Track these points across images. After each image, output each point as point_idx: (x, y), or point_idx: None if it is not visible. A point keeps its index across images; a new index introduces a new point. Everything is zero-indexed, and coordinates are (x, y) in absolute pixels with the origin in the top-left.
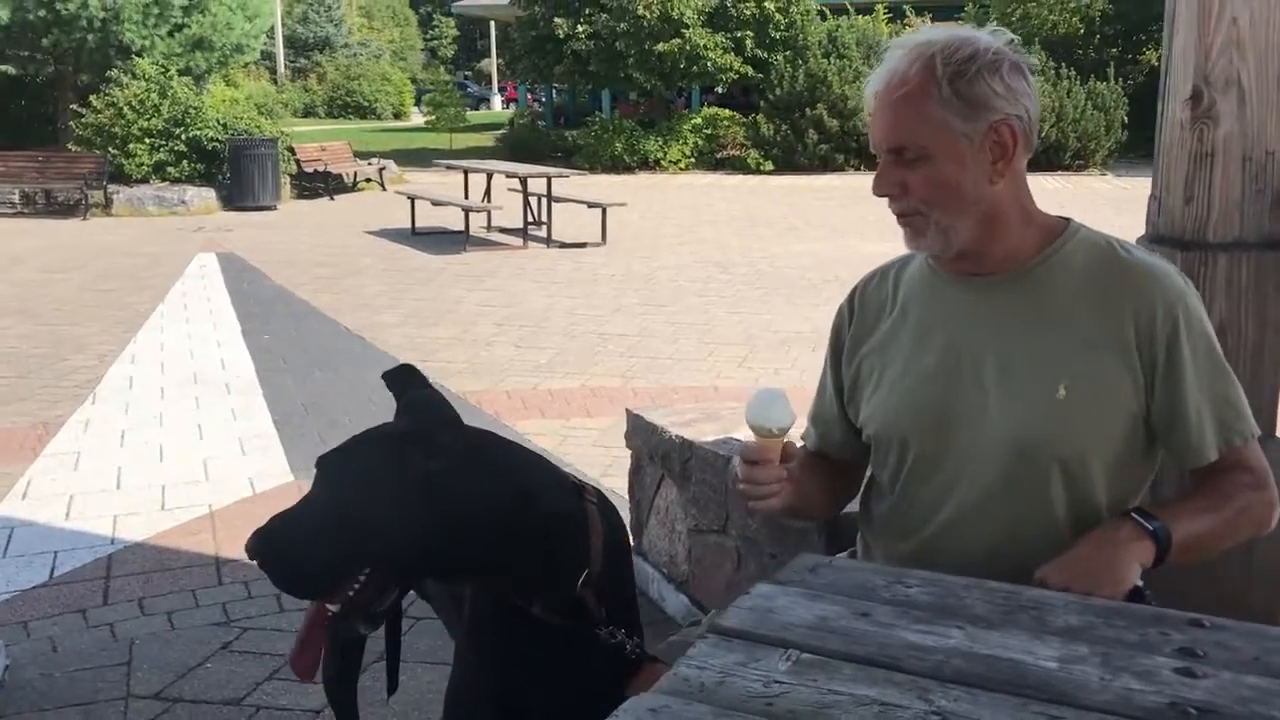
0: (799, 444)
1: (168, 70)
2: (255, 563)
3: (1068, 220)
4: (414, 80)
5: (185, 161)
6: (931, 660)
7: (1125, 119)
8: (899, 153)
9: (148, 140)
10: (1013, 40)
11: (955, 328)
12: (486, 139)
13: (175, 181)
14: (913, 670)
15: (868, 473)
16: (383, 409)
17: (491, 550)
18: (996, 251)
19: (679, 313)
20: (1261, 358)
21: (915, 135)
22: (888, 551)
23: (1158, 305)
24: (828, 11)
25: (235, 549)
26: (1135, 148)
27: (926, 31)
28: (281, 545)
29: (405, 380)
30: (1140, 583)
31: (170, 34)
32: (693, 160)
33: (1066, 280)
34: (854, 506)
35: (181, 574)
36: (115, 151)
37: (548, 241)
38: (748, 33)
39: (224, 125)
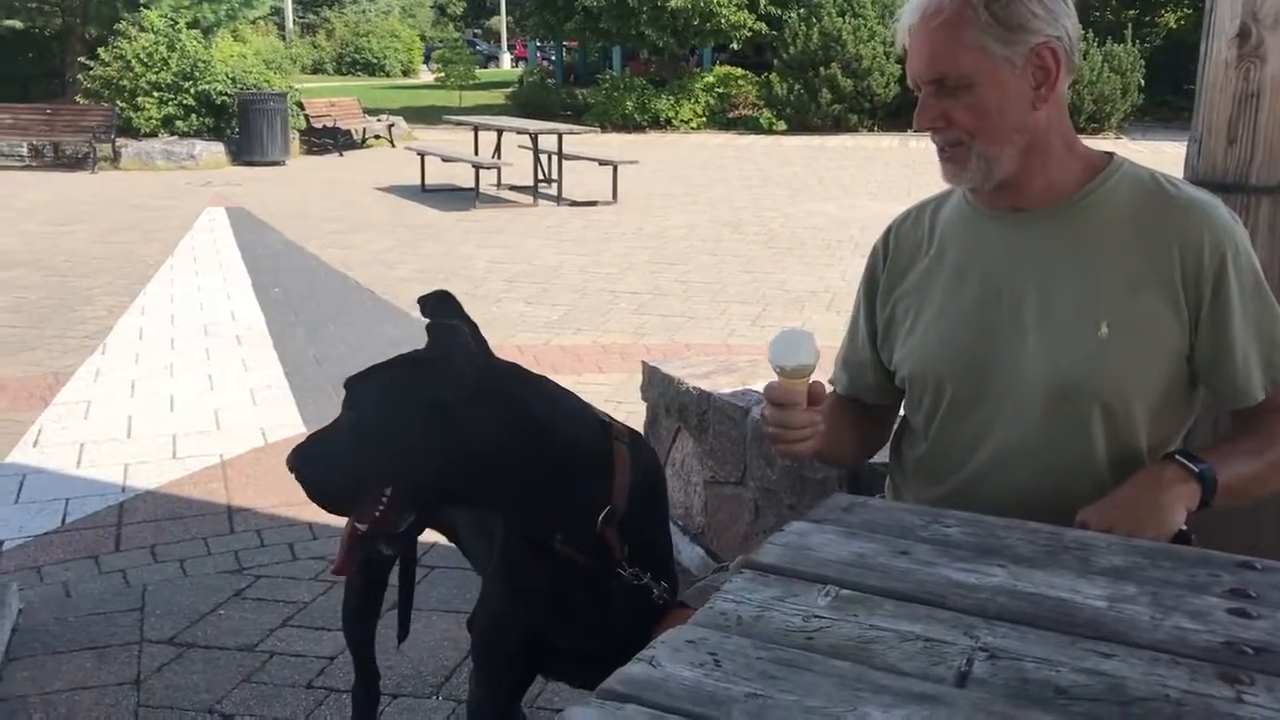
0: (828, 388)
1: (176, 23)
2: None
3: (1111, 155)
4: (423, 37)
5: (194, 115)
6: (976, 598)
7: (1142, 82)
8: (939, 83)
9: (156, 94)
10: None
11: (994, 265)
12: (496, 97)
13: (184, 135)
14: (957, 607)
15: (899, 416)
16: None
17: (506, 482)
18: (1038, 183)
19: (691, 271)
20: None
21: (956, 63)
22: (920, 495)
23: (1205, 241)
24: None
25: (247, 498)
26: (1151, 111)
27: None
28: (312, 461)
29: (438, 307)
30: (1184, 526)
31: None
32: (704, 120)
33: (1110, 216)
34: (881, 456)
35: (193, 522)
36: (123, 105)
37: (558, 199)
38: None
39: (233, 79)
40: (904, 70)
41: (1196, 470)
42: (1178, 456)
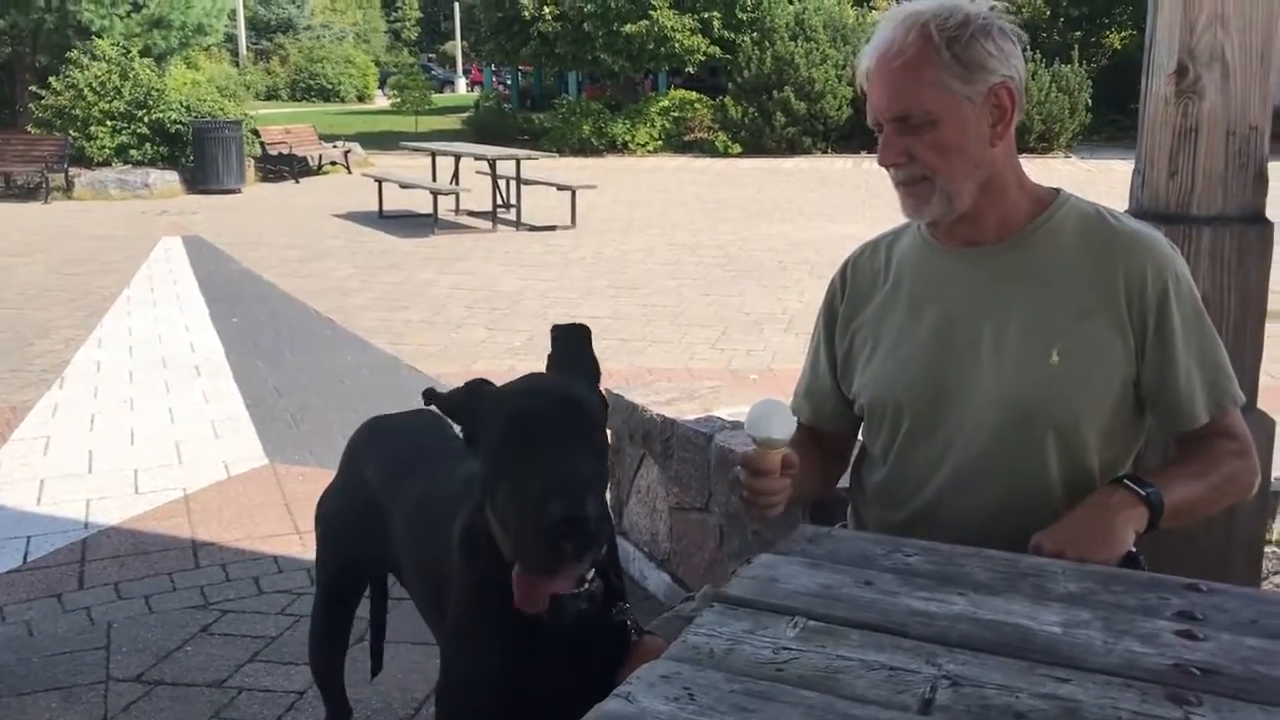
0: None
1: (129, 51)
2: None
3: (1057, 190)
4: (378, 63)
5: (148, 144)
6: (937, 626)
7: (1089, 102)
8: (903, 120)
9: (109, 122)
10: (994, 6)
11: (949, 297)
12: (452, 122)
13: (138, 164)
14: (919, 635)
15: (859, 444)
16: (355, 390)
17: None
18: (992, 218)
19: (651, 295)
20: (1244, 331)
21: (920, 101)
22: (881, 521)
23: (1148, 270)
24: None
25: (211, 532)
26: (1099, 130)
27: (911, 4)
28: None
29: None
30: (1134, 548)
31: (129, 14)
32: (660, 143)
33: (1058, 248)
34: (844, 482)
35: (157, 557)
36: (76, 134)
37: (517, 224)
38: (715, 14)
39: (187, 108)
40: (856, 93)
41: (1144, 494)
42: (1126, 480)
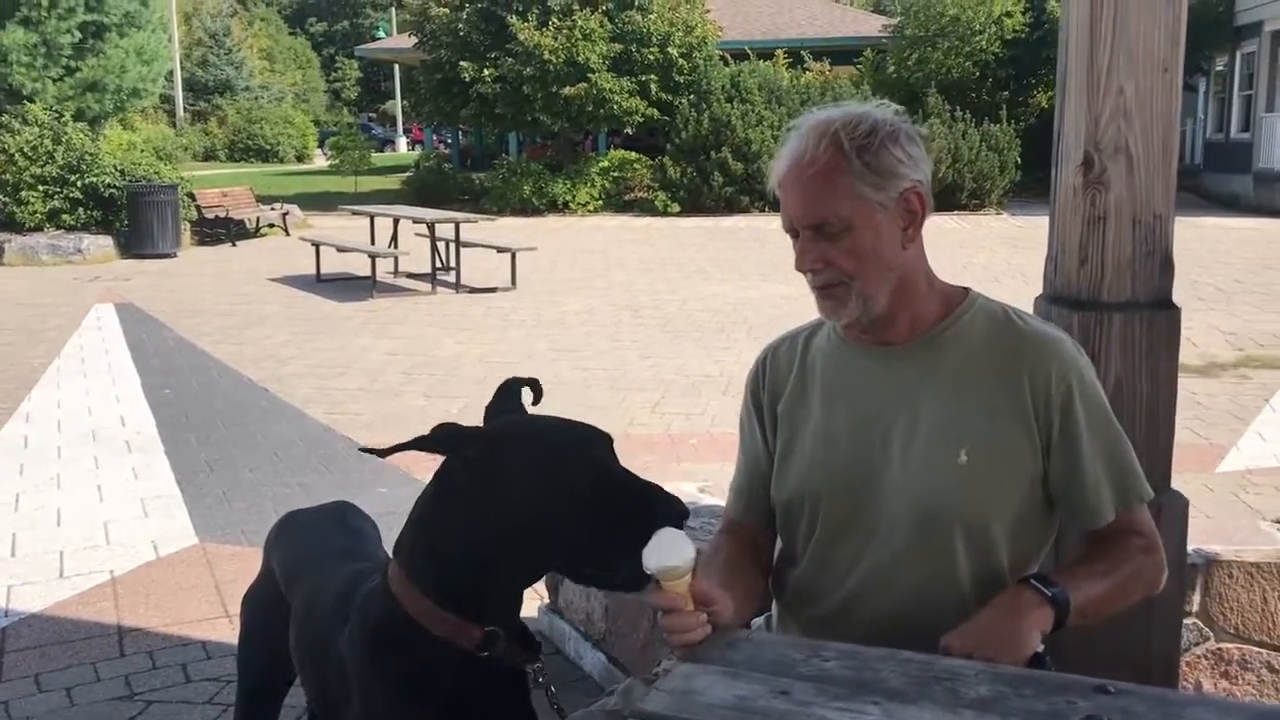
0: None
1: (61, 115)
2: None
3: (966, 290)
4: (317, 122)
5: (81, 209)
6: None
7: (1019, 159)
8: (819, 228)
9: (41, 187)
10: (898, 110)
11: (862, 396)
12: (393, 182)
13: (71, 229)
14: None
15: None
16: (289, 463)
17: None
18: (904, 318)
19: (590, 358)
20: (1156, 414)
21: (836, 209)
22: (799, 617)
23: (1053, 372)
24: (729, 57)
25: (138, 617)
26: (1029, 187)
27: (820, 112)
28: None
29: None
30: (1041, 648)
31: (61, 77)
32: (600, 202)
33: (966, 348)
34: None
35: (81, 646)
36: (6, 199)
37: (456, 287)
38: (652, 77)
39: (121, 171)
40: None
41: (1050, 594)
42: (1032, 581)
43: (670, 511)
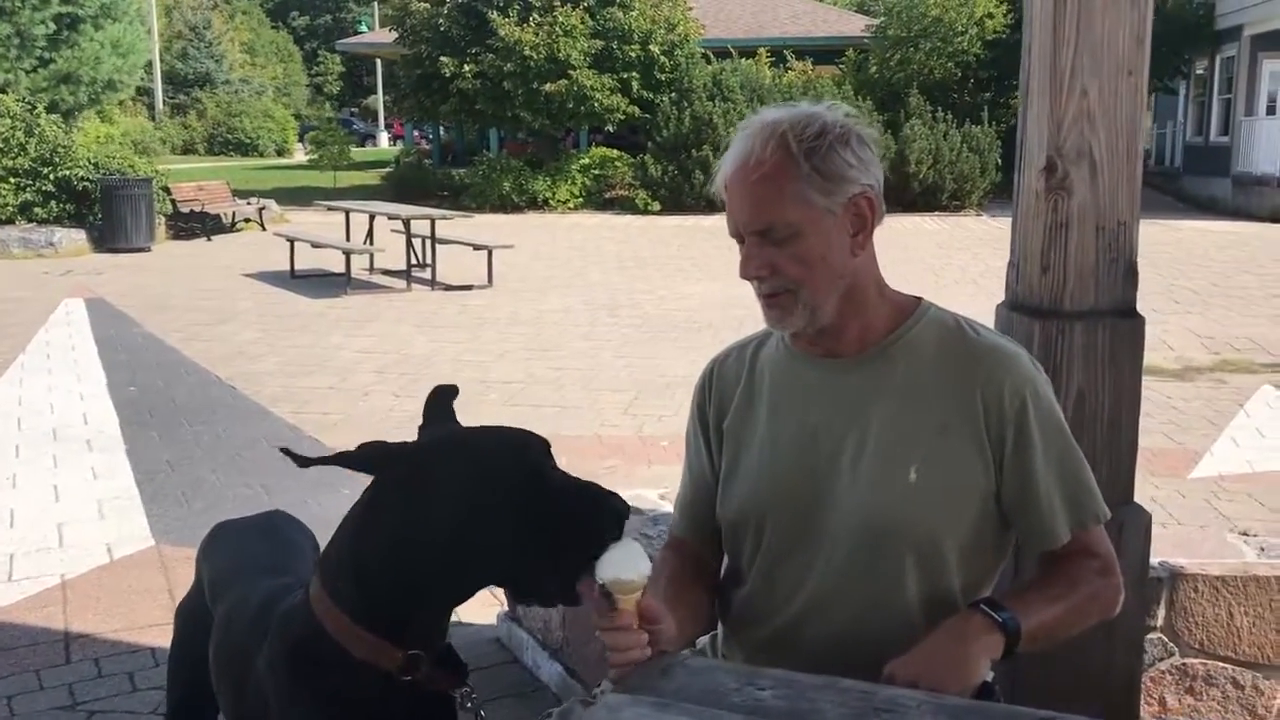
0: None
1: (35, 108)
2: None
3: (918, 299)
4: (298, 116)
5: (54, 202)
6: None
7: (999, 161)
8: (765, 234)
9: (13, 180)
10: (849, 112)
11: (810, 410)
12: (372, 177)
13: (43, 223)
14: None
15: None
16: (252, 463)
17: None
18: (853, 329)
19: (565, 357)
20: (1119, 425)
21: (783, 213)
22: (744, 638)
23: (1005, 387)
24: (711, 55)
25: (87, 623)
26: (1009, 188)
27: (768, 112)
28: None
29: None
30: (990, 676)
31: (35, 69)
32: (581, 200)
33: (917, 361)
34: None
35: (25, 653)
36: None
37: (432, 284)
38: (634, 74)
39: (95, 165)
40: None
41: (1000, 620)
42: (983, 606)
43: (609, 509)
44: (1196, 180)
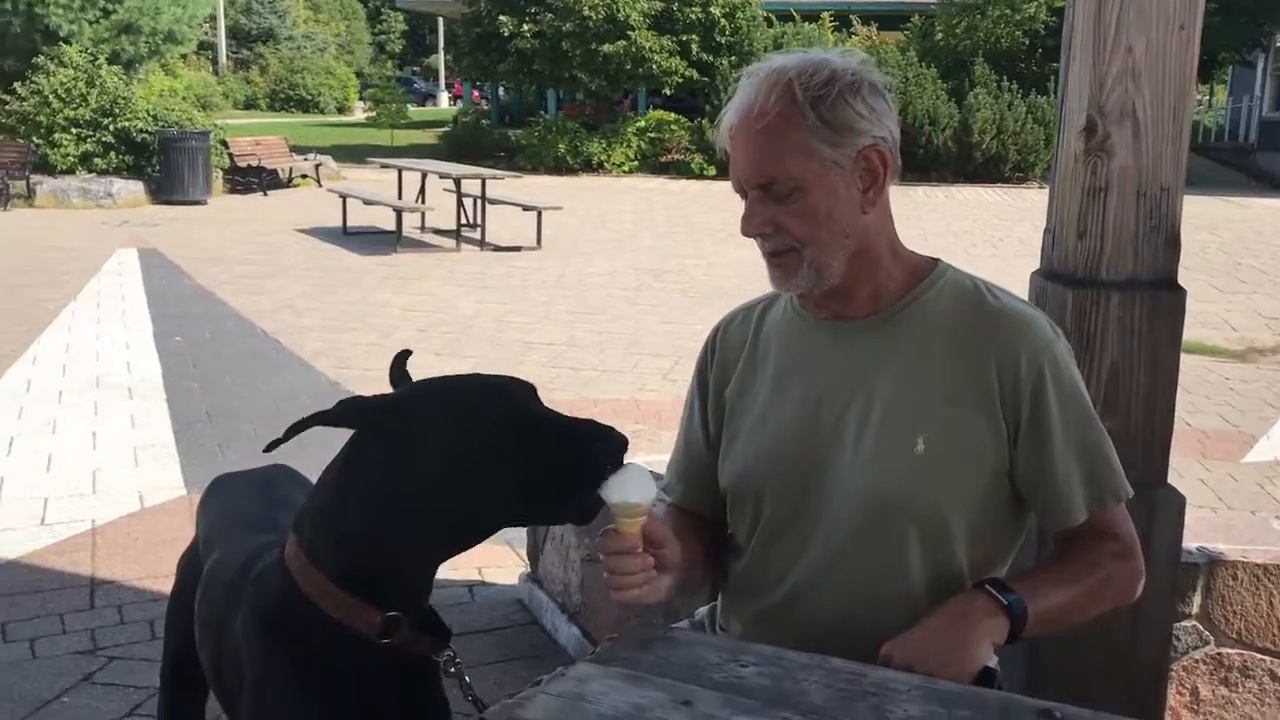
0: (664, 505)
1: (96, 59)
2: None
3: (936, 261)
4: (360, 75)
5: (113, 153)
6: None
7: None
8: (767, 187)
9: (74, 130)
10: (865, 59)
11: (816, 375)
12: (430, 136)
13: (102, 173)
14: None
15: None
16: (290, 416)
17: None
18: (863, 291)
19: (608, 321)
20: (1154, 402)
21: (785, 166)
22: (741, 611)
23: (1022, 355)
24: (774, 18)
25: (113, 569)
26: None
27: (776, 58)
28: None
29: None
30: (993, 661)
31: (97, 19)
32: (636, 163)
33: (931, 326)
34: None
35: (52, 597)
36: (40, 141)
37: (481, 244)
38: (693, 36)
39: (154, 117)
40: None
41: (1006, 602)
42: (988, 586)
43: (611, 445)
44: (1272, 156)
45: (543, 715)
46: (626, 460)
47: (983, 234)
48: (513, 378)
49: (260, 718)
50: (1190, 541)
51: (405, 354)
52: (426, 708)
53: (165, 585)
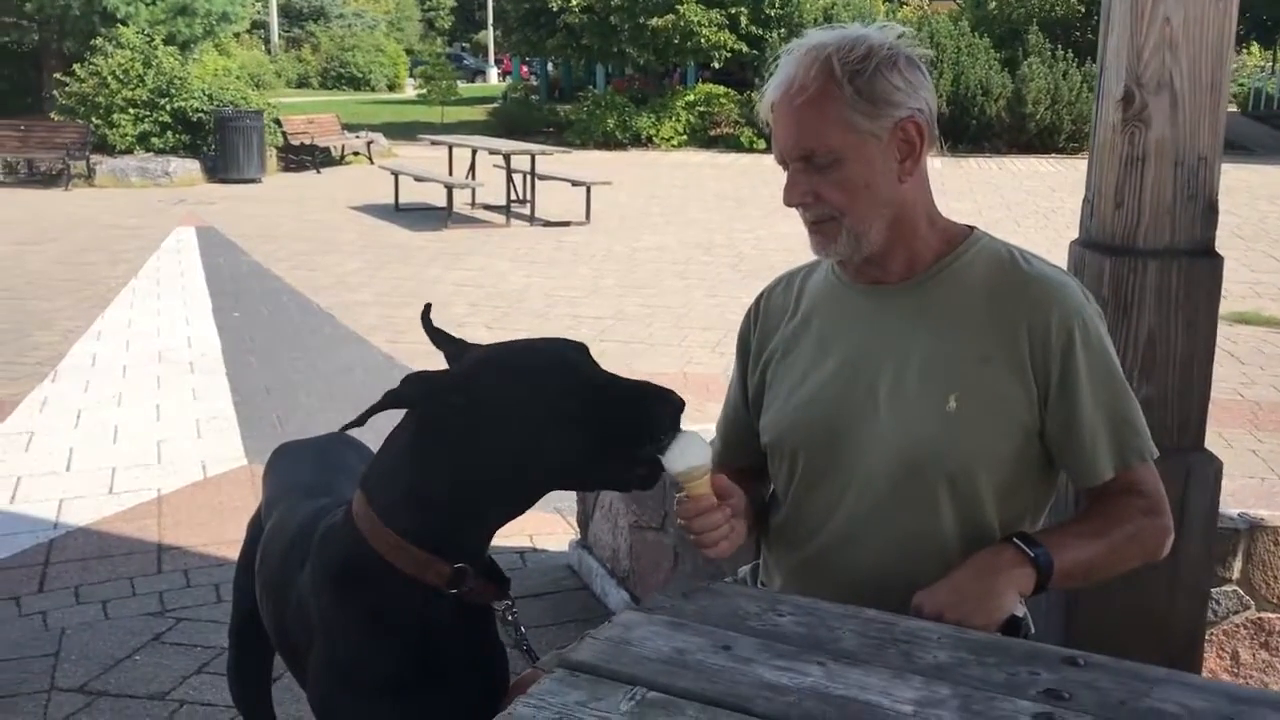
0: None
1: (153, 40)
2: None
3: (971, 228)
4: (410, 51)
5: (170, 132)
6: (782, 701)
7: None
8: (808, 159)
9: (132, 110)
10: (903, 33)
11: (853, 338)
12: (479, 113)
13: (159, 153)
14: (760, 712)
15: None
16: (346, 389)
17: None
18: (899, 257)
19: (656, 295)
20: (1191, 370)
21: (824, 138)
22: (780, 562)
23: (1052, 319)
24: None
25: (179, 536)
26: None
27: (814, 34)
28: None
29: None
30: (1021, 611)
31: (153, 2)
32: (685, 138)
33: (964, 290)
34: None
35: (121, 561)
36: (99, 121)
37: (531, 219)
38: (742, 9)
39: (209, 96)
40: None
41: (1032, 554)
42: (1015, 539)
43: (668, 407)
44: None
45: (590, 656)
46: (683, 430)
47: (1035, 205)
48: (566, 340)
49: (334, 668)
50: (1236, 508)
51: (428, 308)
52: (487, 653)
53: (228, 551)
